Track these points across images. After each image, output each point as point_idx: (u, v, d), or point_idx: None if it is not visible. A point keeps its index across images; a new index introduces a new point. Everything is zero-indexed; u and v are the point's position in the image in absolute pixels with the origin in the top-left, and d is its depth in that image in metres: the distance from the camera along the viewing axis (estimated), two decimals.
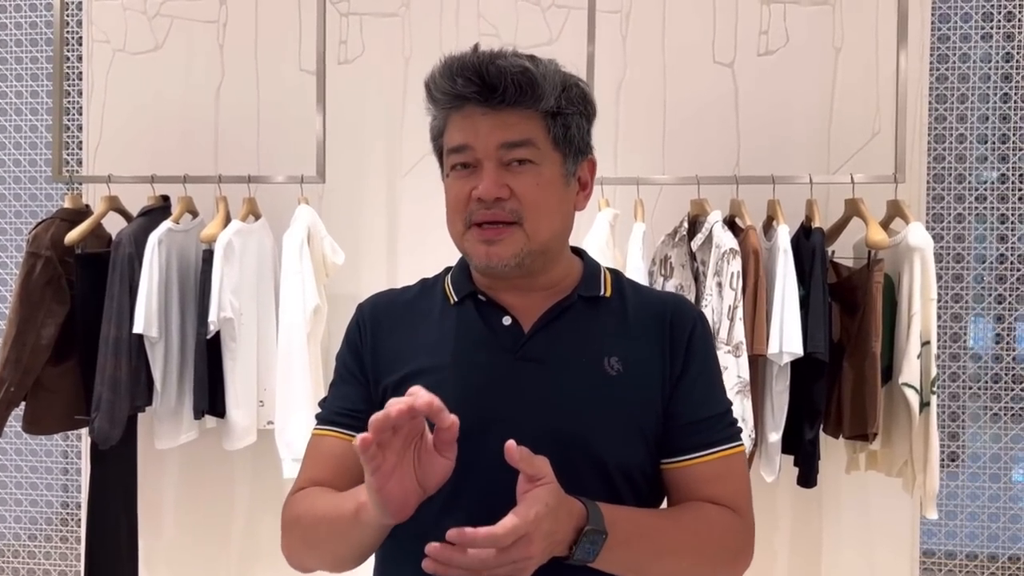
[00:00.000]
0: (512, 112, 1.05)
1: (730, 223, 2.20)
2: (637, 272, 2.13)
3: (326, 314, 2.36)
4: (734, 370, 2.01)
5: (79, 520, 3.19)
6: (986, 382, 2.98)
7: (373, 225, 2.61)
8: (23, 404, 2.35)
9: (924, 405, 2.06)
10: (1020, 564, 2.94)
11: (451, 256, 1.16)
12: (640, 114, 2.50)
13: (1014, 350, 2.98)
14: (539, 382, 1.08)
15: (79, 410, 2.35)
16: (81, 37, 2.86)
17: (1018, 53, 2.92)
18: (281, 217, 2.38)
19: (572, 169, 1.11)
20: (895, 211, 2.20)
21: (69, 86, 3.20)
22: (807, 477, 2.13)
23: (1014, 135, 2.94)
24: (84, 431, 2.54)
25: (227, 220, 2.35)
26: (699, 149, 2.45)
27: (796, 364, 2.09)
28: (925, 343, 2.07)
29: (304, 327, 2.24)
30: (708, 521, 1.07)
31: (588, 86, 1.13)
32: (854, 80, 2.41)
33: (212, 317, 2.24)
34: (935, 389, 2.08)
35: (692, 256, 2.20)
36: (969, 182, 2.96)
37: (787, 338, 2.03)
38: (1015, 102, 2.94)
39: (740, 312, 2.05)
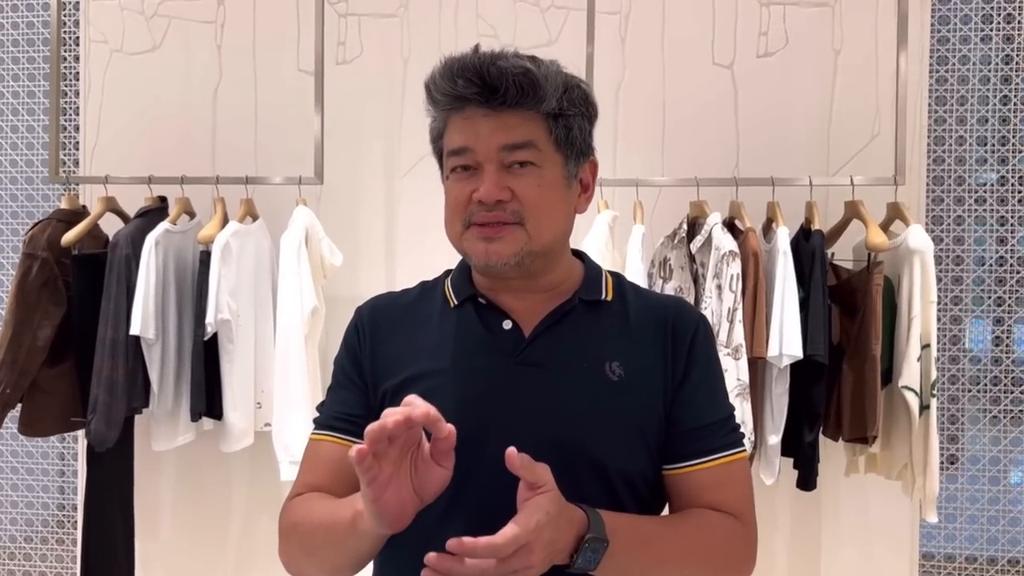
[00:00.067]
0: (513, 114, 1.04)
1: (729, 225, 2.20)
2: (636, 274, 2.13)
3: (324, 316, 2.35)
4: (733, 373, 2.01)
5: (75, 522, 3.17)
6: (985, 385, 2.98)
7: (371, 226, 2.60)
8: (19, 406, 2.34)
9: (924, 408, 2.06)
10: (1020, 567, 2.94)
11: (450, 257, 1.15)
12: (639, 115, 2.50)
13: (1013, 352, 2.98)
14: (539, 387, 1.07)
15: (75, 412, 2.34)
16: (78, 37, 2.85)
17: (1017, 55, 2.92)
18: (279, 218, 2.37)
19: (574, 171, 1.10)
20: (895, 213, 2.19)
21: (66, 86, 3.19)
22: (806, 480, 2.13)
23: (1014, 137, 2.94)
24: (80, 433, 2.53)
25: (225, 221, 2.34)
26: (698, 150, 2.45)
27: (796, 367, 2.08)
28: (925, 346, 2.06)
29: (302, 329, 2.23)
30: (710, 528, 1.06)
31: (590, 87, 1.12)
32: (854, 82, 2.41)
33: (209, 319, 2.23)
34: (935, 392, 2.08)
35: (691, 258, 2.20)
36: (968, 184, 2.96)
37: (787, 341, 2.03)
38: (1014, 104, 2.94)
39: (740, 314, 2.04)
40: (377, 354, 1.14)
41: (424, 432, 0.91)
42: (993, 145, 2.95)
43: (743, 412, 2.00)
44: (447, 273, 1.20)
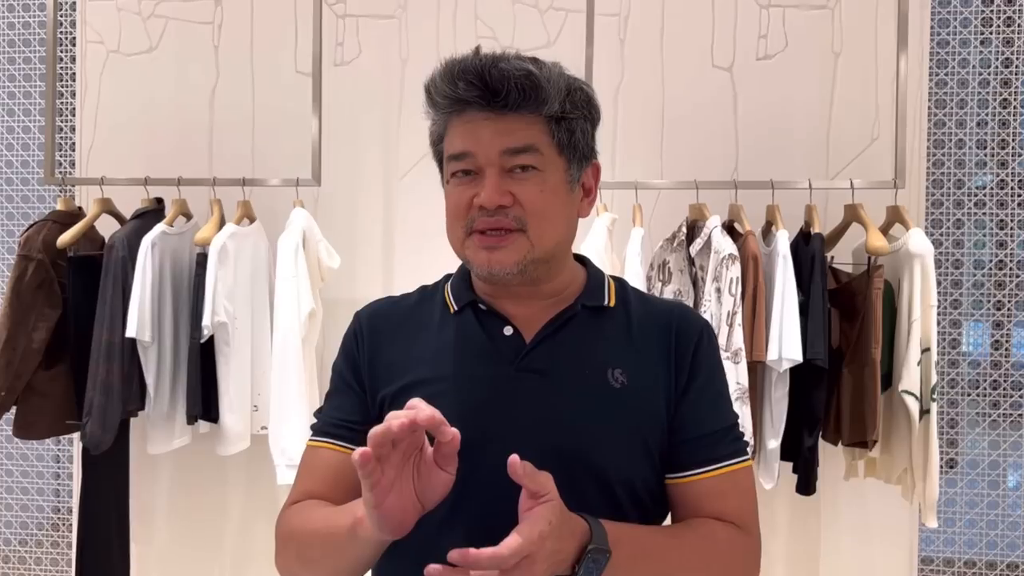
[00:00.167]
0: (515, 117, 1.02)
1: (729, 228, 2.19)
2: (635, 277, 2.12)
3: (321, 319, 2.34)
4: (733, 377, 2.00)
5: (71, 525, 3.15)
6: (984, 388, 2.97)
7: (369, 229, 2.59)
8: (14, 408, 2.33)
9: (924, 412, 2.05)
10: (1018, 571, 2.93)
11: (449, 260, 1.14)
12: (638, 118, 2.49)
13: (1012, 356, 2.97)
14: (540, 395, 1.05)
15: (71, 415, 2.33)
16: (75, 38, 2.83)
17: (1017, 59, 2.92)
18: (276, 220, 2.36)
19: (576, 175, 1.08)
20: (895, 217, 2.19)
21: (62, 87, 3.18)
22: (806, 484, 2.12)
23: (1013, 140, 2.94)
24: (76, 436, 2.52)
25: (221, 223, 2.33)
26: (697, 153, 2.44)
27: (795, 371, 2.07)
28: (925, 350, 2.06)
29: (299, 332, 2.22)
30: (714, 538, 1.05)
31: (592, 89, 1.10)
32: (853, 85, 2.40)
33: (206, 321, 2.22)
34: (935, 396, 2.07)
35: (691, 261, 2.19)
36: (968, 188, 2.95)
37: (786, 344, 2.02)
38: (1014, 107, 2.93)
39: (739, 318, 2.04)
40: (376, 360, 1.12)
41: (427, 436, 0.89)
42: (992, 148, 2.95)
43: (743, 416, 1.99)
44: (447, 277, 1.18)
